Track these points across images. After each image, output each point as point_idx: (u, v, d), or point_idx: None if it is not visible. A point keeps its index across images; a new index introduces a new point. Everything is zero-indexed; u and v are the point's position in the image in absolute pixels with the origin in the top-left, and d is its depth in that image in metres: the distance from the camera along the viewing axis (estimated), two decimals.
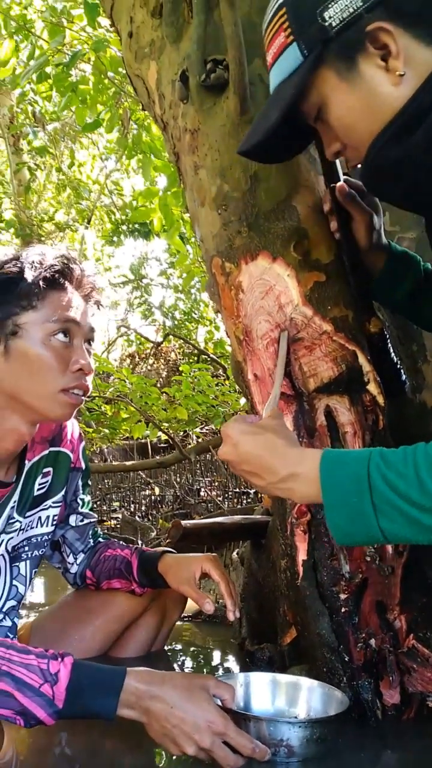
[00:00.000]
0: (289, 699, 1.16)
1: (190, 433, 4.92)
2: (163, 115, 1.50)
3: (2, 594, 1.27)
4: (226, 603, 1.27)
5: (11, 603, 1.28)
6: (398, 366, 1.35)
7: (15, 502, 1.25)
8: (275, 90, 1.01)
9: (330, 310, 1.24)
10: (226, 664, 1.59)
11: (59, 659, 0.95)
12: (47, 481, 1.34)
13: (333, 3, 0.89)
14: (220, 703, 0.99)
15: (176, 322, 8.41)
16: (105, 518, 3.60)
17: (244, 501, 3.46)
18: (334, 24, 0.90)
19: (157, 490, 3.93)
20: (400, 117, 0.88)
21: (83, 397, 1.19)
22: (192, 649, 1.72)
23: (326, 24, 0.90)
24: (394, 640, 1.20)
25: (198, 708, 0.94)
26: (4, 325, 1.14)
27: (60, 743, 1.10)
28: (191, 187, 1.40)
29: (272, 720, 1.02)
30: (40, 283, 1.14)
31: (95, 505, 3.78)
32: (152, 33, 1.49)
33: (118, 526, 3.34)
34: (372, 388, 1.25)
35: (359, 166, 1.00)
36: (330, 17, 0.90)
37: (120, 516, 3.46)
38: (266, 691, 1.17)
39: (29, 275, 1.14)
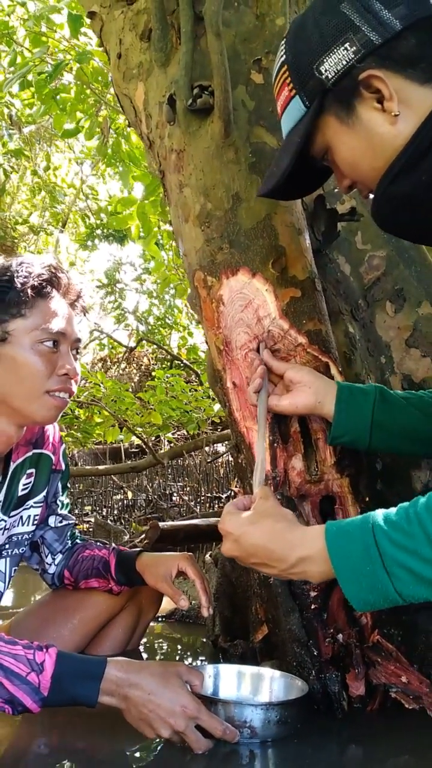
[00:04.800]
0: (254, 688, 1.24)
1: (163, 437, 4.95)
2: (149, 133, 1.55)
3: None
4: (200, 599, 1.33)
5: None
6: None
7: (0, 501, 1.29)
8: (285, 138, 1.09)
9: (305, 324, 1.32)
10: (199, 660, 1.64)
11: (44, 650, 1.00)
12: (30, 482, 1.38)
13: (327, 57, 0.97)
14: (189, 689, 1.05)
15: (150, 327, 8.41)
16: (77, 522, 3.61)
17: (216, 506, 3.51)
18: (330, 76, 0.97)
19: (129, 495, 3.94)
20: (403, 156, 0.93)
21: (68, 401, 1.24)
22: (166, 646, 1.76)
23: (323, 77, 0.98)
24: (359, 636, 1.26)
25: (173, 694, 1.00)
26: None
27: (41, 736, 1.14)
28: (176, 203, 1.46)
29: (236, 703, 1.09)
30: (29, 291, 1.19)
31: None
32: (140, 55, 1.55)
33: (91, 529, 3.36)
34: None
35: (371, 196, 1.06)
36: (326, 70, 0.97)
37: (92, 520, 3.47)
38: (233, 681, 1.25)
39: (18, 285, 1.18)
